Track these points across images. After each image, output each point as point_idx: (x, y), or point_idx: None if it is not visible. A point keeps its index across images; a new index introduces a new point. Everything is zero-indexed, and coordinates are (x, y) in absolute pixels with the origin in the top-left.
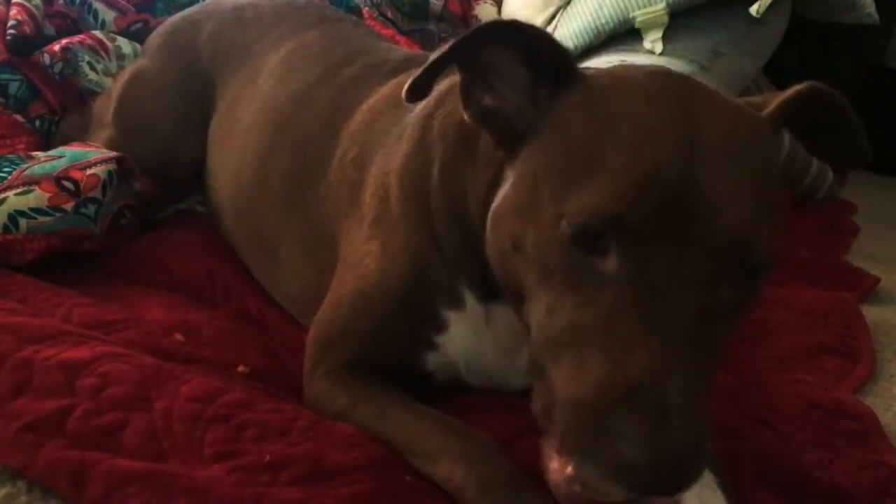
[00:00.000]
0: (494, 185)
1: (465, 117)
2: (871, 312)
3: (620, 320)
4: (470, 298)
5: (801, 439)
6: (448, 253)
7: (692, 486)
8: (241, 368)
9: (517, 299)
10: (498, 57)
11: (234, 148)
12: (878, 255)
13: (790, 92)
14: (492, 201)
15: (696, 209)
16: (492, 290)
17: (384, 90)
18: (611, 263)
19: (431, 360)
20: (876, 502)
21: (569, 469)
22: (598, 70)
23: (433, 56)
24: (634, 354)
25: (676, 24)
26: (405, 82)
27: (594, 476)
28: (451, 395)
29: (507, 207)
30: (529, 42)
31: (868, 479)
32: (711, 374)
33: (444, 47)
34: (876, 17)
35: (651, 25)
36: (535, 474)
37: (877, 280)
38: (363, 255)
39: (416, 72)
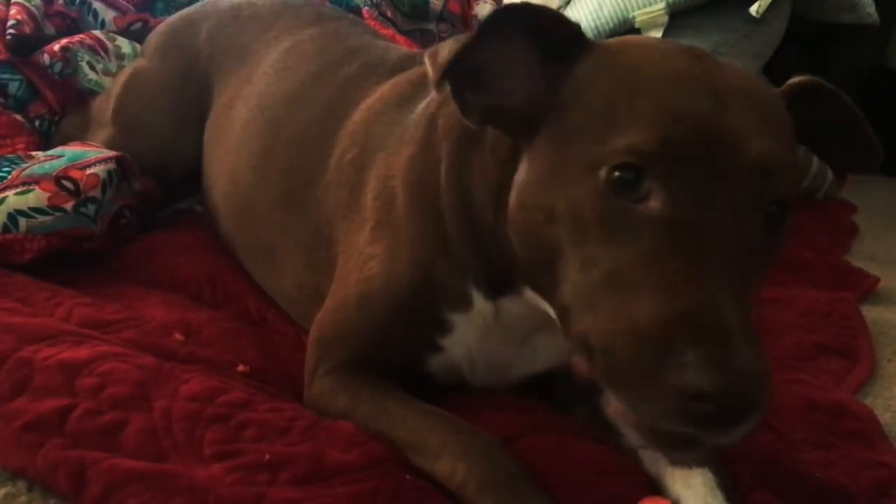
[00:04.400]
0: (508, 174)
1: (469, 124)
2: (870, 312)
3: (665, 256)
4: (478, 297)
5: (800, 439)
6: (457, 252)
7: (759, 417)
8: (240, 368)
9: (548, 280)
10: (504, 48)
11: (230, 147)
12: (877, 255)
13: (794, 80)
14: (507, 190)
15: (726, 142)
16: (500, 285)
17: (383, 90)
18: (650, 205)
19: (434, 362)
20: (875, 502)
21: (621, 405)
22: (605, 40)
23: (445, 56)
24: (686, 286)
25: (676, 24)
26: (403, 83)
27: (654, 412)
28: (453, 394)
29: (534, 182)
30: (537, 22)
31: (867, 479)
32: (753, 309)
33: (456, 42)
34: (875, 17)
35: (651, 25)
36: (537, 473)
37: (876, 280)
38: (367, 258)
39: (436, 69)
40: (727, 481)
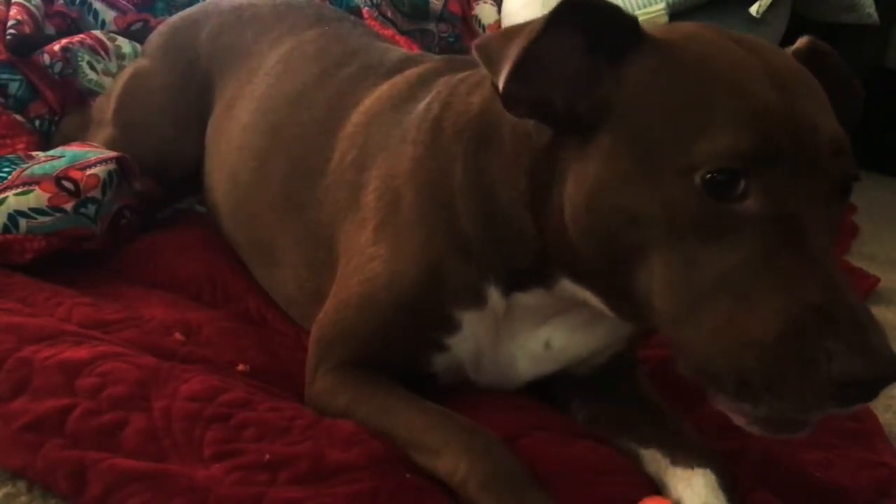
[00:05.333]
0: (543, 173)
1: (509, 121)
2: None
3: (775, 254)
4: (494, 294)
5: (800, 439)
6: (476, 252)
7: None
8: (240, 367)
9: (622, 278)
10: (553, 41)
11: (231, 148)
12: (877, 256)
13: (798, 45)
14: (545, 190)
15: (806, 133)
16: (520, 280)
17: (381, 91)
18: (750, 205)
19: (439, 361)
20: (875, 502)
21: (757, 413)
22: (647, 28)
23: (509, 54)
24: (808, 280)
25: None
26: (401, 83)
27: (802, 404)
28: (453, 394)
29: (608, 185)
30: (592, 16)
31: (867, 479)
32: None
33: (519, 40)
34: (875, 17)
35: (651, 25)
36: (538, 472)
37: (876, 280)
38: (369, 259)
39: (502, 77)
40: (728, 481)
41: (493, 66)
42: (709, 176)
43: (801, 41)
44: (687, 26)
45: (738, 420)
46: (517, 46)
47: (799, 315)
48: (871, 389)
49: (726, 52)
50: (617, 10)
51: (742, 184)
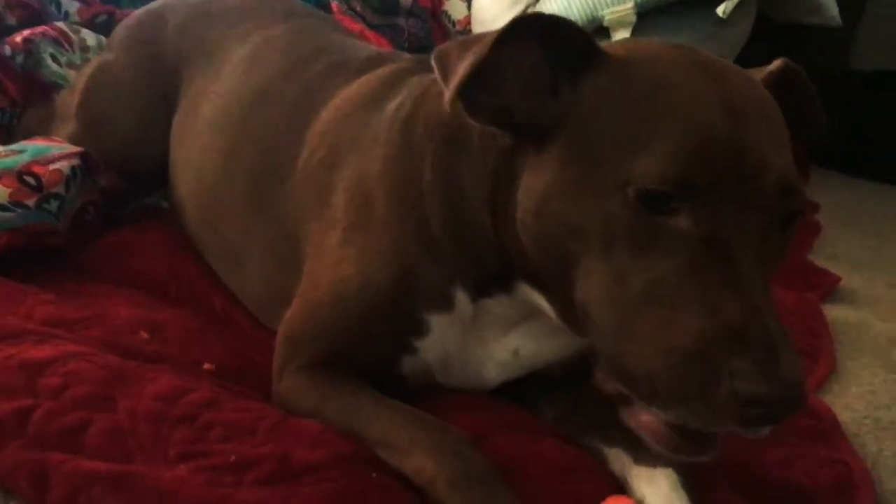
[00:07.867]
0: (503, 175)
1: (475, 123)
2: (831, 312)
3: (703, 272)
4: (462, 298)
5: (761, 437)
6: (445, 254)
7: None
8: (206, 366)
9: (563, 283)
10: (514, 53)
11: (196, 144)
12: (840, 255)
13: (773, 67)
14: (504, 192)
15: (749, 165)
16: (486, 285)
17: (351, 90)
18: (681, 222)
19: (407, 363)
20: (834, 500)
21: (667, 418)
22: (610, 45)
23: (463, 66)
24: (729, 300)
25: (643, 24)
26: (373, 82)
27: (705, 417)
28: (423, 393)
29: (553, 191)
30: (550, 31)
31: (827, 477)
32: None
33: (470, 55)
34: (838, 19)
35: (619, 24)
36: (505, 470)
37: (837, 279)
38: (339, 260)
39: (451, 86)
40: (690, 481)
41: (445, 78)
42: (640, 193)
43: (776, 63)
44: (655, 46)
45: (646, 438)
46: (467, 62)
47: (713, 332)
48: (774, 413)
49: (682, 77)
50: (574, 28)
51: (673, 202)
